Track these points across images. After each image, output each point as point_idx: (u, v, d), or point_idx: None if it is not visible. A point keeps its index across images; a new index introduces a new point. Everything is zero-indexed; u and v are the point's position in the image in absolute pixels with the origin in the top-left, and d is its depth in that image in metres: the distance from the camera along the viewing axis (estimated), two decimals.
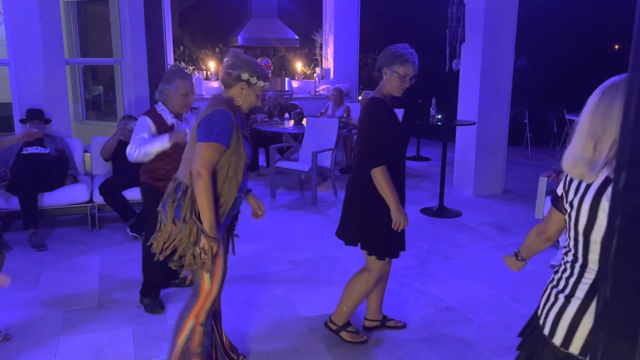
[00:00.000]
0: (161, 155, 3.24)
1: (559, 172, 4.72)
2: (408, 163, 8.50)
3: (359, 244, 2.92)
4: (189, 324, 2.45)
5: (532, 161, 8.54)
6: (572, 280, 1.52)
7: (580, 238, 1.48)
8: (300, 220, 5.44)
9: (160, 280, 3.52)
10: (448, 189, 6.17)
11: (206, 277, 2.42)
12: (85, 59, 7.32)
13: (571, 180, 1.52)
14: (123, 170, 4.99)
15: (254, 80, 2.38)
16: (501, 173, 6.55)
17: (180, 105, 3.33)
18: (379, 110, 2.76)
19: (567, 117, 8.74)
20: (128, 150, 3.25)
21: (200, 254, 2.32)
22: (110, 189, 4.84)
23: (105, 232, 5.03)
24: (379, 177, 2.69)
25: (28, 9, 5.19)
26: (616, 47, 11.13)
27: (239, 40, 9.94)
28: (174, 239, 2.38)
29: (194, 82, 9.38)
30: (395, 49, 2.75)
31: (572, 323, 1.48)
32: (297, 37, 10.30)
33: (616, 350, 0.90)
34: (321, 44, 10.64)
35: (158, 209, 2.48)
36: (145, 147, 3.19)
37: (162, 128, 3.31)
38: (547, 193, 4.80)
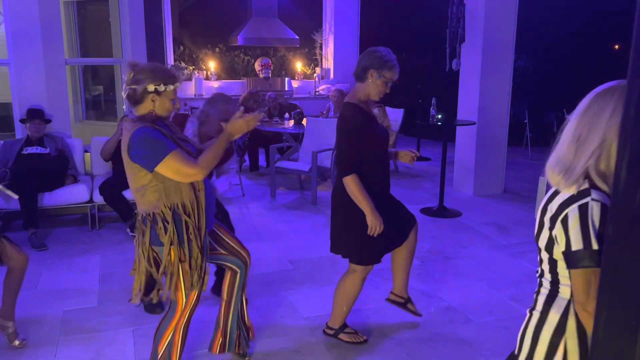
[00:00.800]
0: None
1: None
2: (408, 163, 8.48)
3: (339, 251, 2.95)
4: (167, 336, 2.47)
5: (532, 161, 8.55)
6: (536, 293, 1.50)
7: (537, 245, 1.46)
8: (300, 220, 5.44)
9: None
10: (448, 189, 6.17)
11: (182, 291, 2.38)
12: (85, 59, 7.33)
13: None
14: (123, 170, 4.97)
15: (162, 87, 2.24)
16: (501, 173, 6.55)
17: (216, 129, 2.94)
18: (354, 117, 2.75)
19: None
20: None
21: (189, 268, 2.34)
22: (110, 189, 4.83)
23: (105, 232, 5.03)
24: (350, 185, 2.71)
25: (28, 9, 5.19)
26: (616, 47, 11.13)
27: (239, 40, 9.94)
28: (167, 264, 2.33)
29: (193, 82, 9.41)
30: (384, 53, 2.74)
31: (534, 335, 1.45)
32: (297, 37, 10.30)
33: (616, 350, 0.90)
34: (321, 44, 10.64)
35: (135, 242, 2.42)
36: None
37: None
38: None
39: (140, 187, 2.30)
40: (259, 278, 3.99)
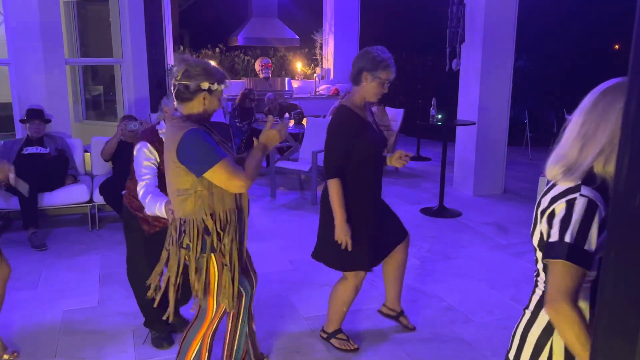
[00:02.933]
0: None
1: None
2: (408, 163, 8.48)
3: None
4: (195, 348, 2.38)
5: (532, 161, 8.55)
6: (532, 292, 1.48)
7: (532, 244, 1.44)
8: (300, 220, 5.43)
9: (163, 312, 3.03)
10: (448, 189, 6.17)
11: (214, 298, 2.31)
12: (85, 59, 7.32)
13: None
14: (123, 170, 4.97)
15: (215, 86, 2.16)
16: (501, 173, 6.55)
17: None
18: (345, 121, 2.69)
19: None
20: (138, 189, 2.68)
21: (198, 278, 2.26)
22: (111, 189, 4.83)
23: (105, 232, 5.03)
24: (331, 189, 2.66)
25: (28, 9, 5.19)
26: (616, 47, 11.12)
27: (239, 40, 9.94)
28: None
29: None
30: (377, 54, 2.64)
31: (522, 335, 1.44)
32: (297, 37, 10.30)
33: (616, 350, 0.90)
34: (321, 44, 10.64)
35: (167, 247, 2.30)
36: (147, 201, 2.59)
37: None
38: None
39: (183, 191, 2.17)
40: (259, 278, 3.98)
